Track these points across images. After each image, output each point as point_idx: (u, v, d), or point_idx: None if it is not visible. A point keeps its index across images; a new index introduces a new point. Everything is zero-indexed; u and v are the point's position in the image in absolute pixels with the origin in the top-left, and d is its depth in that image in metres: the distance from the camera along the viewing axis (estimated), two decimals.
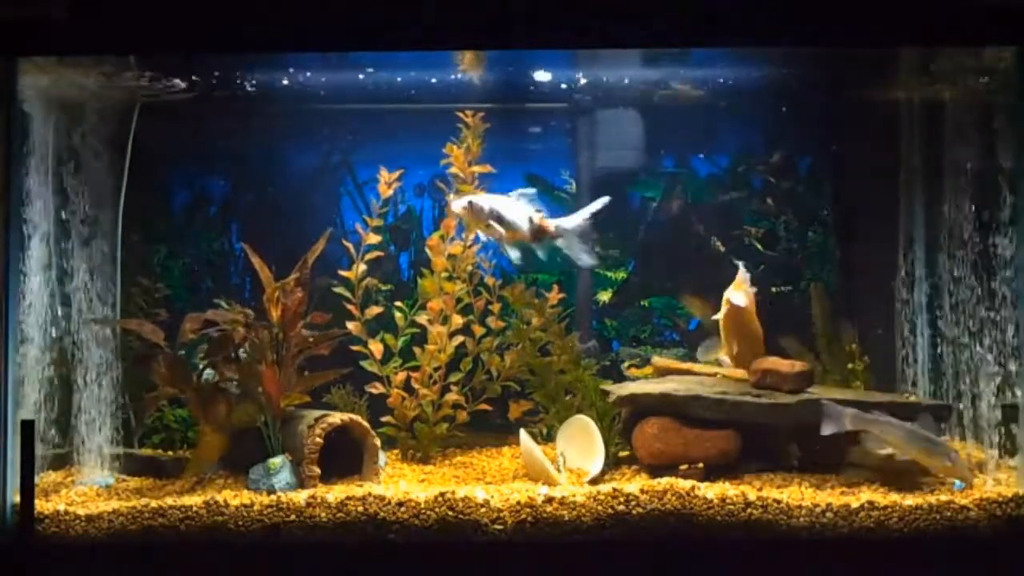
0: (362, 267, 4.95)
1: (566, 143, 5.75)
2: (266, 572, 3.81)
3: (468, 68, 4.79)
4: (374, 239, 4.95)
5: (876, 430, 4.08)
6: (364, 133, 5.67)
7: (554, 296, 4.98)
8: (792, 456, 4.47)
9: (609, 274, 5.75)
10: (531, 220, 4.48)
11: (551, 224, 4.51)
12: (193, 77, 4.71)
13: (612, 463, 4.55)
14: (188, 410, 4.67)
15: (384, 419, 4.93)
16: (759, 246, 5.60)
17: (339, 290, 4.94)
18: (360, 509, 3.79)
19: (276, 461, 4.18)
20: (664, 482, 3.86)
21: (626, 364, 5.31)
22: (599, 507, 3.78)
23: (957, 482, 4.15)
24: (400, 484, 4.26)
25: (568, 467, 4.53)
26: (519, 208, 4.49)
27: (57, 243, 4.52)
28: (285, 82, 4.99)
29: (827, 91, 5.20)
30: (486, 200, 4.48)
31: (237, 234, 5.71)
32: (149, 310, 4.97)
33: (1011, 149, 4.13)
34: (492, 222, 4.43)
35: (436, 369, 4.97)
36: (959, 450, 4.55)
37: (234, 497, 3.90)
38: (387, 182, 5.00)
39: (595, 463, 4.45)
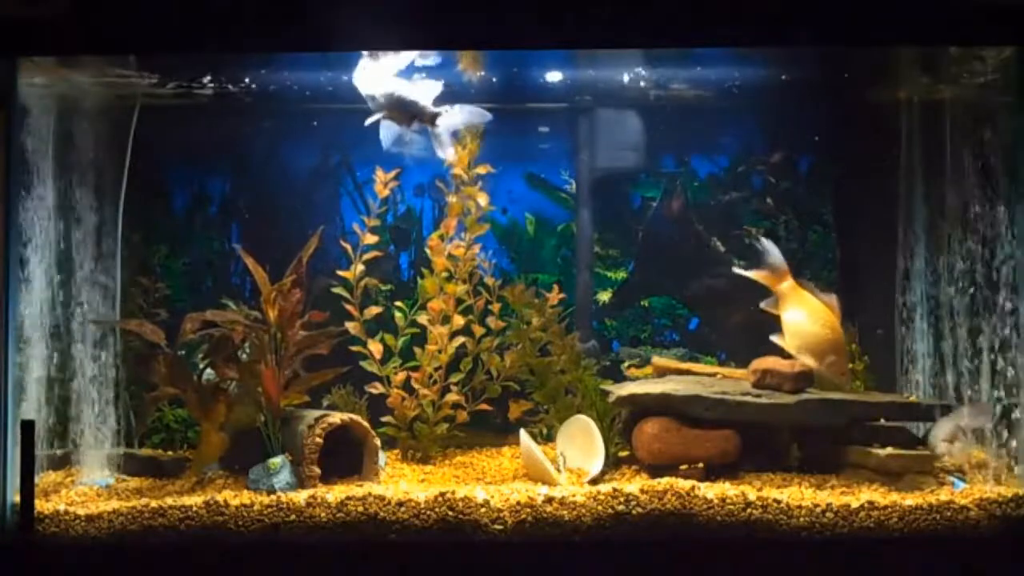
0: (360, 267, 4.95)
1: (566, 143, 5.75)
2: (266, 572, 3.80)
3: (467, 68, 4.79)
4: (372, 239, 4.95)
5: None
6: (364, 133, 5.66)
7: (554, 296, 4.98)
8: (792, 456, 4.48)
9: (609, 274, 5.76)
10: (401, 97, 4.44)
11: (429, 107, 4.47)
12: (194, 76, 4.72)
13: (612, 463, 4.55)
14: (188, 410, 4.67)
15: (384, 419, 4.93)
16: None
17: (338, 290, 4.94)
18: (360, 509, 3.79)
19: (276, 461, 4.18)
20: (664, 482, 3.86)
21: (626, 364, 5.31)
22: (599, 507, 3.78)
23: (957, 482, 4.16)
24: (400, 484, 4.26)
25: (568, 467, 4.53)
26: (406, 88, 4.46)
27: (58, 241, 4.52)
28: (285, 81, 5.00)
29: (826, 91, 5.20)
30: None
31: (237, 235, 5.71)
32: (149, 310, 4.97)
33: (1011, 149, 4.13)
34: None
35: (436, 369, 4.97)
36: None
37: (234, 497, 3.90)
38: (383, 182, 5.00)
39: (595, 463, 4.45)
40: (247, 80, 4.91)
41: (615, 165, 5.62)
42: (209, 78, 4.78)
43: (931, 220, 4.90)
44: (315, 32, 3.88)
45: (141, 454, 4.72)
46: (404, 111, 4.46)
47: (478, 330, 4.99)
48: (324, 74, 4.92)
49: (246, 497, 3.91)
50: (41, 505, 3.89)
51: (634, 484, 3.92)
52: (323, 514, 3.79)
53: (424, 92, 4.48)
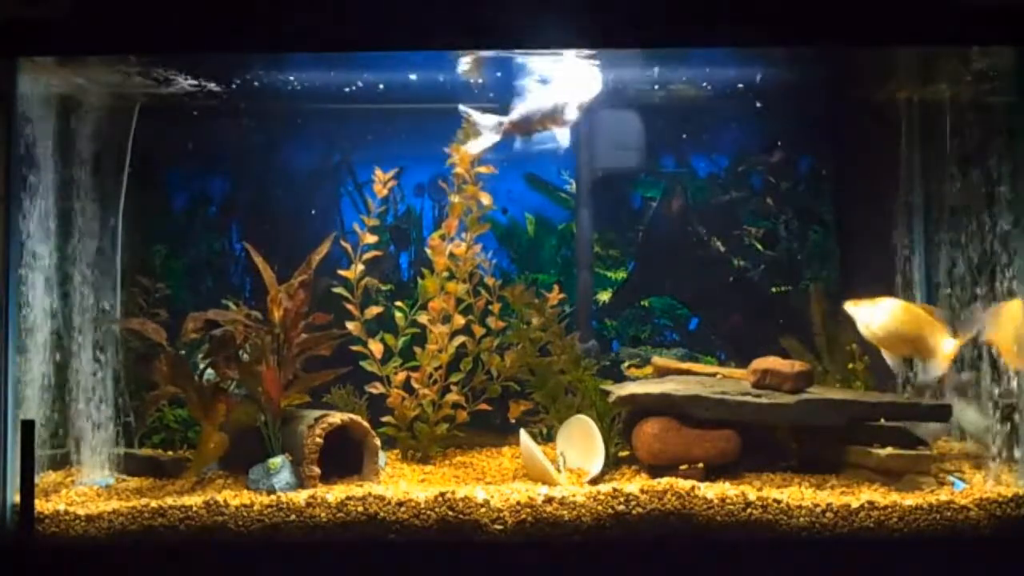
0: (360, 267, 4.95)
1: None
2: (266, 572, 3.81)
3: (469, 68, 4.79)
4: (371, 239, 4.95)
5: None
6: (366, 133, 5.67)
7: (554, 296, 4.97)
8: (792, 456, 4.48)
9: (609, 274, 5.76)
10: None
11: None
12: (195, 76, 4.72)
13: (612, 463, 4.55)
14: (188, 410, 4.67)
15: (384, 419, 4.93)
16: (759, 246, 5.61)
17: (339, 290, 4.94)
18: (360, 509, 3.79)
19: (276, 461, 4.18)
20: (664, 482, 3.86)
21: (626, 364, 5.31)
22: (599, 507, 3.78)
23: (957, 482, 4.16)
24: (400, 484, 4.26)
25: (568, 467, 4.53)
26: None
27: (58, 242, 4.52)
28: (286, 82, 5.00)
29: (826, 91, 5.21)
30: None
31: (237, 234, 5.71)
32: (149, 310, 4.97)
33: (1010, 149, 4.14)
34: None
35: (436, 369, 4.97)
36: (957, 450, 4.57)
37: (234, 497, 3.90)
38: (382, 182, 5.01)
39: (595, 463, 4.45)
40: (248, 80, 4.91)
41: (615, 165, 5.61)
42: (211, 77, 4.79)
43: (931, 217, 4.91)
44: (315, 32, 3.88)
45: (141, 454, 4.72)
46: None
47: (478, 330, 4.99)
48: (326, 74, 4.92)
49: (246, 497, 3.91)
50: (41, 505, 3.89)
51: (634, 484, 3.92)
52: (323, 514, 3.79)
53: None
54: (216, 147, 5.58)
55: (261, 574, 3.81)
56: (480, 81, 4.85)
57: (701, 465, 4.27)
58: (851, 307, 4.41)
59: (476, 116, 4.63)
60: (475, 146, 4.65)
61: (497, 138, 4.59)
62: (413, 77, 4.85)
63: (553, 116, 4.54)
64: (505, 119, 4.59)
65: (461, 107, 4.65)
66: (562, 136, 4.60)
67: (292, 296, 4.38)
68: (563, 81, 4.55)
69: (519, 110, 4.57)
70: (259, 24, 3.87)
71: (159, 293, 5.05)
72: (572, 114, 4.57)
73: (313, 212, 5.78)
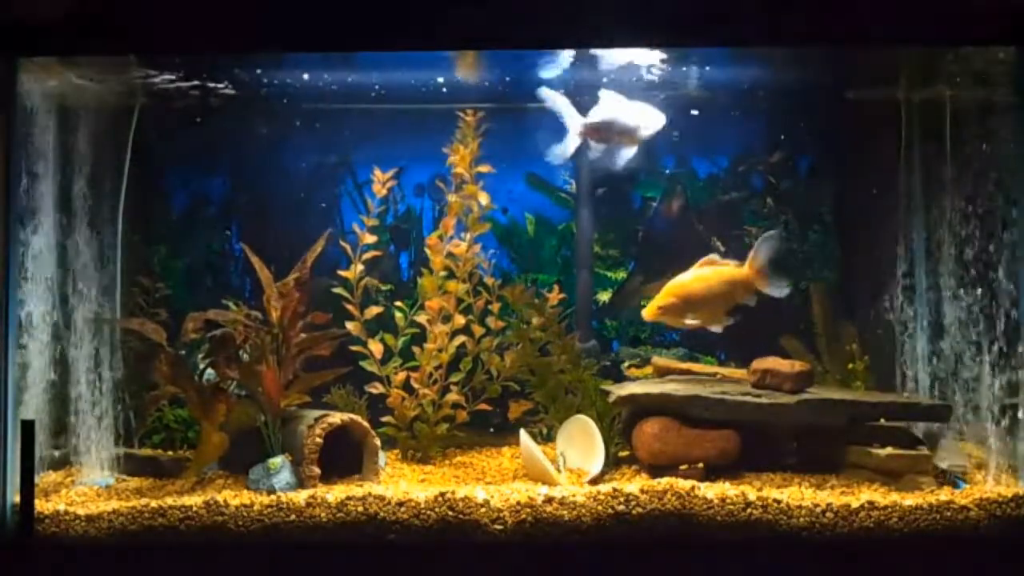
0: (360, 267, 4.95)
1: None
2: (266, 572, 3.81)
3: (465, 68, 4.79)
4: (371, 239, 4.95)
5: None
6: (367, 133, 5.66)
7: (554, 296, 4.98)
8: (792, 456, 4.48)
9: (609, 274, 5.76)
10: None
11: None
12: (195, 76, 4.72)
13: (612, 463, 4.55)
14: (188, 410, 4.67)
15: (384, 419, 4.93)
16: None
17: (338, 290, 4.94)
18: (360, 509, 3.79)
19: (276, 461, 4.18)
20: (664, 482, 3.86)
21: (626, 364, 5.31)
22: (599, 507, 3.78)
23: (958, 482, 4.16)
24: (400, 484, 4.26)
25: (568, 467, 4.53)
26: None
27: (58, 241, 4.52)
28: (286, 81, 5.00)
29: (825, 91, 5.21)
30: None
31: (237, 234, 5.71)
32: (149, 310, 4.97)
33: (1010, 150, 4.14)
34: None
35: (436, 368, 4.97)
36: (959, 450, 4.57)
37: (234, 497, 3.90)
38: (382, 182, 5.01)
39: (595, 463, 4.45)
40: (250, 80, 4.92)
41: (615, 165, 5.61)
42: (210, 78, 4.79)
43: (931, 216, 4.91)
44: (314, 31, 3.88)
45: (141, 454, 4.72)
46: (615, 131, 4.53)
47: (478, 330, 4.99)
48: (328, 73, 4.92)
49: (246, 497, 3.91)
50: (41, 505, 3.89)
51: (634, 484, 3.92)
52: (323, 514, 3.79)
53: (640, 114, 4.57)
54: (216, 147, 5.58)
55: (261, 574, 3.81)
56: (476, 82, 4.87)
57: (701, 465, 4.27)
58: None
59: (562, 103, 4.51)
60: (561, 151, 4.53)
61: (579, 141, 4.50)
62: (441, 79, 4.85)
63: (630, 133, 4.46)
64: (586, 120, 4.51)
65: (543, 91, 4.51)
66: (624, 156, 4.53)
67: (285, 295, 4.38)
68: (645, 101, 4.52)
69: (599, 114, 4.48)
70: (258, 24, 3.86)
71: (159, 293, 5.05)
72: (645, 136, 4.52)
73: (315, 212, 5.77)
